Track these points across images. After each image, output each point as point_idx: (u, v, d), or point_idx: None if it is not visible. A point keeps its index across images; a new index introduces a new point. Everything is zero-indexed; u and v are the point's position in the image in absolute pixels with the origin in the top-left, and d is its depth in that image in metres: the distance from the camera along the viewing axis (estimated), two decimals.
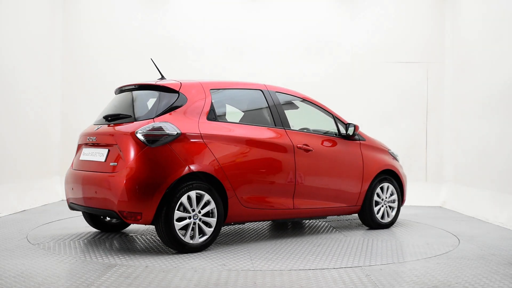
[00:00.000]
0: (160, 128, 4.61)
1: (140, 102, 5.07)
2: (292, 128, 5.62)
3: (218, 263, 4.41)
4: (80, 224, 6.23)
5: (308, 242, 5.42)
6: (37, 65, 8.62)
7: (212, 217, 4.82)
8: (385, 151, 6.50)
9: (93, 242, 5.20)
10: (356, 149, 6.09)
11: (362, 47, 9.43)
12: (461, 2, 8.93)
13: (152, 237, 5.52)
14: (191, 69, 9.24)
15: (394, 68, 9.38)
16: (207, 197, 4.75)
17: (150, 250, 4.85)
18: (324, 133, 5.96)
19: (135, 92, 5.18)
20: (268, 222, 6.45)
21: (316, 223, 6.69)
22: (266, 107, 5.54)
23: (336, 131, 6.04)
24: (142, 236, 5.54)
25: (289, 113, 6.04)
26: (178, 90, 4.94)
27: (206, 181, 4.81)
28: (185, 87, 5.01)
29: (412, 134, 9.26)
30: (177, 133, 4.66)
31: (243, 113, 5.74)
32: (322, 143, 5.80)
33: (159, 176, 4.51)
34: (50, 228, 5.97)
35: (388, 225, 6.33)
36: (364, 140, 6.23)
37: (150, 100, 5.03)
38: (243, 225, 6.32)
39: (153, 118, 4.70)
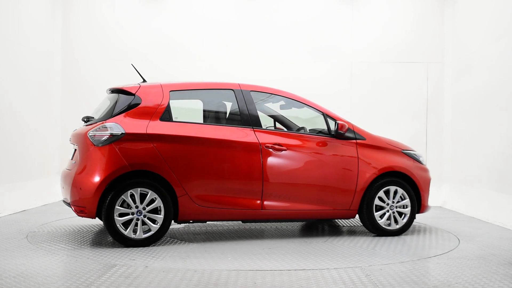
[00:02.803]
0: (106, 129, 4.98)
1: (107, 104, 5.40)
2: (265, 127, 5.53)
3: (218, 263, 4.41)
4: (80, 224, 6.24)
5: (308, 242, 5.42)
6: (37, 65, 8.62)
7: (160, 214, 5.01)
8: (396, 151, 5.91)
9: (93, 242, 5.20)
10: (350, 149, 5.67)
11: (362, 47, 9.44)
12: (461, 2, 8.94)
13: None
14: (189, 70, 9.24)
15: (394, 68, 9.39)
16: (152, 194, 4.98)
17: (150, 250, 4.85)
18: (318, 132, 5.74)
19: (110, 95, 5.52)
20: (270, 222, 6.43)
21: (316, 224, 6.68)
22: (236, 107, 5.52)
23: (331, 130, 5.71)
24: None
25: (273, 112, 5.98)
26: (134, 93, 5.24)
27: (154, 179, 5.04)
28: (143, 89, 5.30)
29: (412, 134, 9.25)
30: (121, 133, 4.98)
31: (208, 113, 5.77)
32: (302, 143, 5.55)
33: (100, 174, 4.89)
34: (50, 228, 5.97)
35: (396, 233, 5.76)
36: (364, 139, 5.76)
37: (117, 102, 5.32)
38: (240, 224, 6.33)
39: (105, 120, 5.08)
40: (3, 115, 7.37)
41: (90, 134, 5.01)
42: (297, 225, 6.51)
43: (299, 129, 5.89)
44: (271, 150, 5.39)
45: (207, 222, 6.44)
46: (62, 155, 9.03)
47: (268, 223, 6.51)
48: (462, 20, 8.90)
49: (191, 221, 5.29)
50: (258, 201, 5.34)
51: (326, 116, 5.75)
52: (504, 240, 5.71)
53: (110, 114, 5.15)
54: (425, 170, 6.10)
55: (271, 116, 6.12)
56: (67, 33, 9.34)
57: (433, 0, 9.45)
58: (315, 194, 5.54)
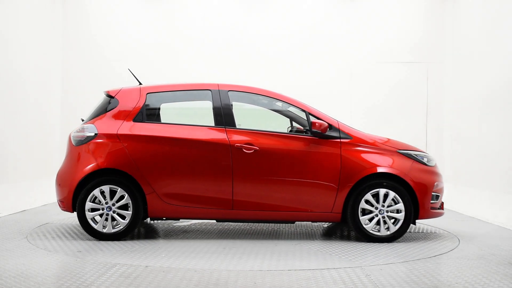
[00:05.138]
0: (83, 130, 5.41)
1: (97, 106, 5.70)
2: (239, 127, 5.47)
3: (218, 263, 4.42)
4: (79, 224, 6.23)
5: (308, 242, 5.42)
6: (37, 65, 8.63)
7: (129, 210, 5.29)
8: (391, 151, 5.48)
9: (93, 242, 5.20)
10: (332, 149, 5.39)
11: (362, 47, 9.44)
12: (461, 2, 8.94)
13: (152, 236, 5.53)
14: (189, 71, 9.25)
15: (394, 68, 9.38)
16: (121, 192, 5.27)
17: (150, 250, 4.85)
18: (305, 131, 5.55)
19: (103, 97, 5.78)
20: (271, 222, 6.42)
21: (315, 224, 6.67)
22: (211, 107, 5.57)
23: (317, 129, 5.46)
24: (142, 236, 5.55)
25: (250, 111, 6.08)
26: (114, 95, 5.57)
27: (123, 177, 5.30)
28: (122, 92, 5.61)
29: (412, 134, 9.25)
30: (94, 134, 5.37)
31: (183, 114, 5.98)
32: (278, 143, 5.41)
33: (73, 172, 5.33)
34: (50, 228, 5.97)
35: (386, 240, 5.37)
36: (350, 139, 5.44)
37: (103, 104, 5.66)
38: (234, 224, 6.33)
39: (88, 121, 5.48)
40: (3, 115, 7.37)
41: (72, 135, 5.46)
42: (296, 226, 6.50)
43: (293, 129, 5.87)
44: (241, 149, 5.35)
45: (208, 222, 6.45)
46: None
47: (269, 224, 6.51)
48: (462, 20, 8.90)
49: (164, 219, 5.52)
50: (229, 201, 5.36)
51: (308, 114, 5.52)
52: (504, 240, 5.70)
53: (94, 115, 5.51)
54: (428, 172, 5.54)
55: (285, 115, 5.99)
56: (67, 33, 9.35)
57: (433, 0, 9.45)
58: (289, 195, 5.39)
